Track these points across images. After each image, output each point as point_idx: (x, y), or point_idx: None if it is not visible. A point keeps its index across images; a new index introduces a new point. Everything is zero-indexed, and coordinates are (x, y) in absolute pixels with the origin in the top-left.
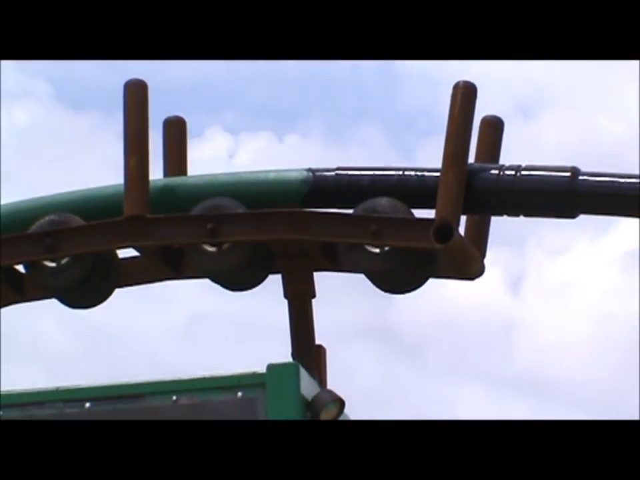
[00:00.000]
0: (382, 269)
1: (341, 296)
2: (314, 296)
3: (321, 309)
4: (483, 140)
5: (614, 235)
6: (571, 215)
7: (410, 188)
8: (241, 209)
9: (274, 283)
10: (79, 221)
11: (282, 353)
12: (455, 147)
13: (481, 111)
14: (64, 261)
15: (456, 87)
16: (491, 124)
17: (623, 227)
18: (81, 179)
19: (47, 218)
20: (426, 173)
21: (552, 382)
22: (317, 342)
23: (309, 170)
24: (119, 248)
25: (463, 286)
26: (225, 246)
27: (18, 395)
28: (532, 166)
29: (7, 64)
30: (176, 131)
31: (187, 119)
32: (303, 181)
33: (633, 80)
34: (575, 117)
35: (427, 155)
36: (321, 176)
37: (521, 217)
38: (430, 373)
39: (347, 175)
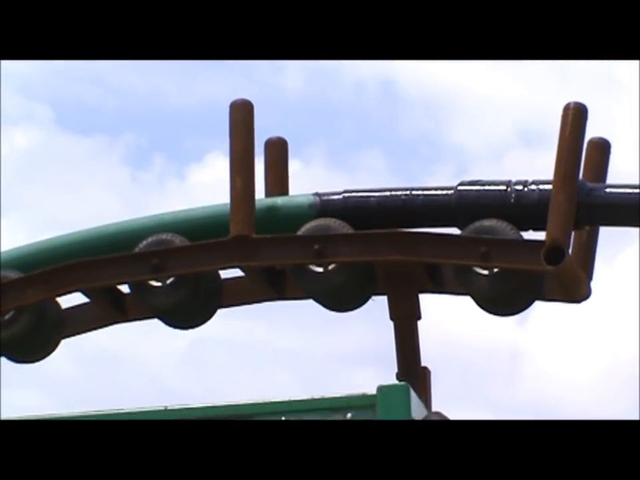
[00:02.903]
0: (490, 291)
1: (346, 322)
2: (419, 317)
3: (326, 335)
4: (589, 162)
5: (621, 263)
6: (578, 227)
7: (417, 208)
8: (348, 230)
9: (276, 308)
10: (184, 241)
11: (288, 377)
12: (565, 168)
13: (477, 138)
14: (169, 281)
15: (567, 108)
16: (598, 146)
17: (630, 255)
18: (85, 202)
19: (152, 238)
20: (433, 192)
21: (558, 411)
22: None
23: (316, 194)
24: (225, 268)
25: (468, 314)
26: (331, 267)
27: (118, 415)
28: (539, 180)
29: (7, 88)
30: (277, 151)
31: (186, 144)
32: (311, 206)
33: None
34: None
35: (431, 181)
36: (328, 200)
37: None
38: (435, 400)
39: (354, 197)
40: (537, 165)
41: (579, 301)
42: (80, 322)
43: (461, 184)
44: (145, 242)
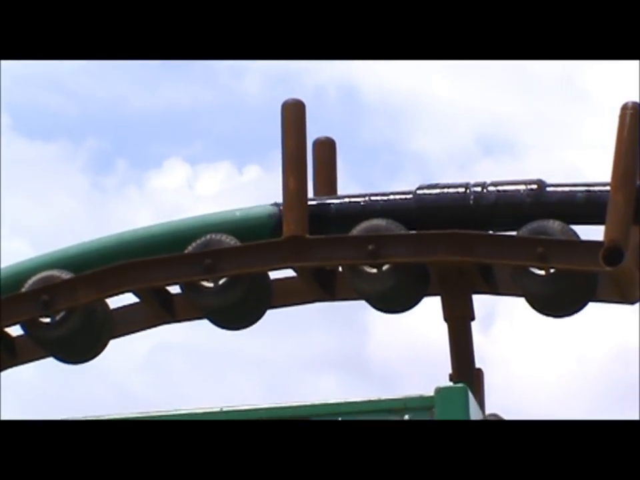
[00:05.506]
0: (547, 292)
1: (306, 328)
2: (473, 318)
3: (293, 340)
4: None
5: None
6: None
7: (377, 213)
8: (402, 230)
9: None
10: (236, 242)
11: (250, 382)
12: (624, 168)
13: (438, 145)
14: (221, 282)
15: (624, 107)
16: None
17: None
18: (48, 208)
19: (204, 238)
20: (392, 197)
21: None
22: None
23: (275, 204)
24: (279, 269)
25: (435, 320)
26: (385, 267)
27: (175, 417)
28: (497, 181)
29: None
30: (325, 151)
31: (145, 150)
32: (270, 215)
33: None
34: (539, 153)
35: (393, 188)
36: None
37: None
38: None
39: (313, 205)
40: (498, 170)
41: (633, 303)
42: (129, 322)
43: (420, 187)
44: (197, 242)
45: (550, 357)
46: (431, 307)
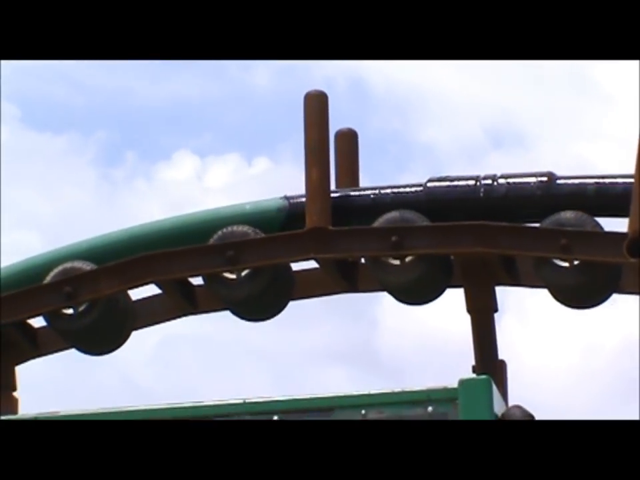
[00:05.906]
0: (571, 283)
1: (324, 319)
2: (496, 310)
3: (301, 332)
4: None
5: None
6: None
7: (387, 206)
8: (425, 222)
9: None
10: (258, 233)
11: (258, 374)
12: None
13: (447, 137)
14: (244, 273)
15: None
16: None
17: None
18: (57, 199)
19: (226, 230)
20: (402, 189)
21: (533, 410)
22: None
23: (285, 197)
24: (301, 260)
25: (446, 313)
26: (408, 259)
27: (199, 408)
28: (507, 174)
29: None
30: (347, 143)
31: (154, 142)
32: (280, 209)
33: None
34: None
35: (402, 180)
36: (297, 202)
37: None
38: None
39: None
40: (508, 163)
41: None
42: (151, 314)
43: (430, 180)
44: (219, 234)
45: (558, 349)
46: (440, 300)
